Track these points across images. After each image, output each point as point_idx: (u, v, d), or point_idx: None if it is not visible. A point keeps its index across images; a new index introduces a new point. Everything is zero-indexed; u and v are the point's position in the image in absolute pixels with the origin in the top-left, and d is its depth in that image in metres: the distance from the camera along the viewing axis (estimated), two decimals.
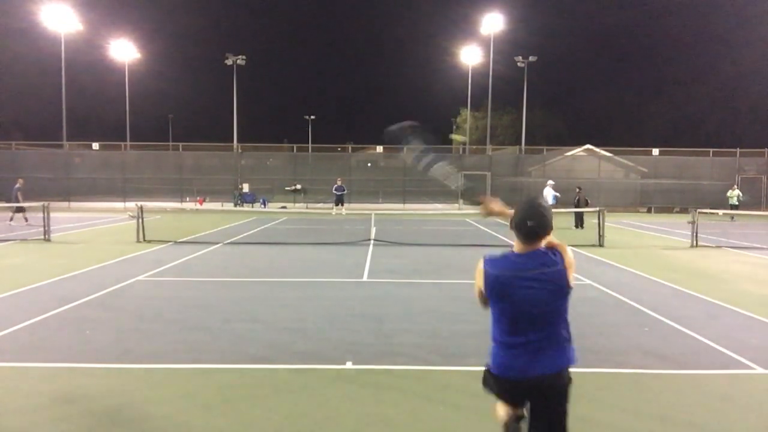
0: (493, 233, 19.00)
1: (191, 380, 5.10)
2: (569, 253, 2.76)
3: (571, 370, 2.82)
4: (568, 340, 2.77)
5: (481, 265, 2.77)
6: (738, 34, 76.03)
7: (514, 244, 2.79)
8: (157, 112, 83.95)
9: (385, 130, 3.09)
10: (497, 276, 2.70)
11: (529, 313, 2.67)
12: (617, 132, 66.54)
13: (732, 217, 25.29)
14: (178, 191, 33.95)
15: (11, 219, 20.00)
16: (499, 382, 2.82)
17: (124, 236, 16.39)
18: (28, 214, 20.15)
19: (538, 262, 2.69)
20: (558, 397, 2.76)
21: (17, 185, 20.55)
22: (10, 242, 14.95)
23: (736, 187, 28.06)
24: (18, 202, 19.75)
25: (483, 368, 2.96)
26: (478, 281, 2.78)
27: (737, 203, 26.80)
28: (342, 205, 27.65)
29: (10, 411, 4.41)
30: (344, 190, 28.28)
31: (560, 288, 2.69)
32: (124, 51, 48.12)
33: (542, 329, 2.71)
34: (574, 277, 2.75)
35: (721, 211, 24.66)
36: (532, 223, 2.68)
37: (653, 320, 7.39)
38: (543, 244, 2.75)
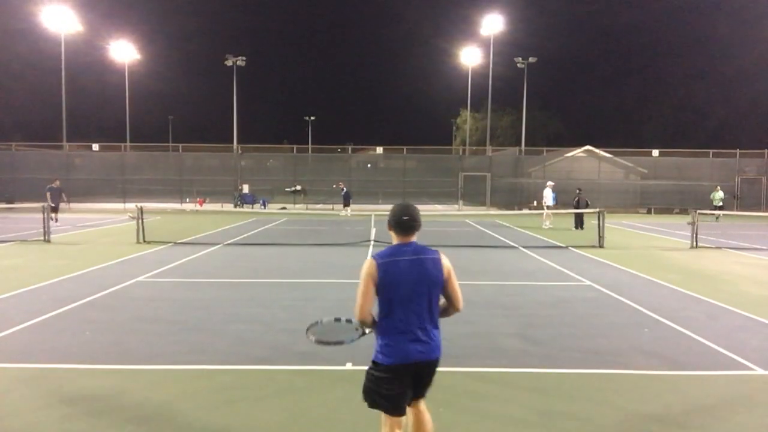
0: (493, 234, 19.01)
1: (191, 381, 5.10)
2: (448, 263, 3.27)
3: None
4: (438, 326, 3.20)
5: (369, 262, 3.11)
6: (738, 34, 76.11)
7: (393, 239, 3.26)
8: (157, 113, 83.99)
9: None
10: (384, 262, 3.08)
11: (417, 293, 3.07)
12: (617, 133, 66.55)
13: (717, 217, 25.35)
14: (178, 192, 33.95)
15: (56, 219, 20.15)
16: (392, 372, 3.07)
17: (124, 237, 16.40)
18: (53, 215, 20.46)
19: (413, 250, 3.18)
20: (432, 376, 3.24)
21: (53, 186, 20.90)
22: (10, 243, 14.96)
23: (719, 188, 28.08)
24: (53, 201, 20.24)
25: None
26: (367, 270, 3.07)
27: (721, 204, 26.83)
28: (347, 206, 27.82)
29: (11, 412, 4.41)
30: (349, 194, 28.39)
31: (434, 277, 3.13)
32: (124, 52, 48.15)
33: (431, 311, 3.12)
34: (457, 287, 3.26)
35: (721, 212, 24.68)
36: (407, 218, 3.20)
37: (653, 321, 7.39)
38: (415, 238, 3.26)
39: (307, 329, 3.40)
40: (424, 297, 3.09)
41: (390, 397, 3.08)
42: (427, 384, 3.29)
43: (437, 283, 3.13)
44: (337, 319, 3.41)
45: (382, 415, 3.17)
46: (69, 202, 24.74)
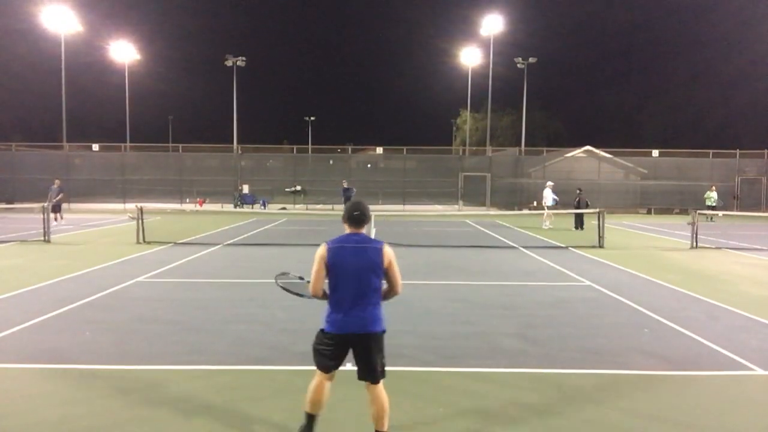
0: (493, 234, 19.01)
1: (191, 381, 5.10)
2: (390, 253, 3.77)
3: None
4: (377, 305, 3.80)
5: (322, 246, 3.74)
6: (738, 34, 76.10)
7: (345, 230, 3.84)
8: (157, 113, 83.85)
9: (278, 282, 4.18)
10: (333, 247, 3.71)
11: (359, 276, 3.66)
12: (617, 133, 66.52)
13: (711, 217, 25.33)
14: (178, 192, 33.94)
15: (58, 219, 20.40)
16: (331, 339, 3.75)
17: (124, 237, 16.40)
18: (55, 216, 20.53)
19: (359, 239, 3.76)
20: (371, 351, 3.75)
21: (54, 186, 21.03)
22: (10, 243, 14.96)
23: (713, 188, 28.00)
24: (53, 201, 20.36)
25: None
26: (320, 253, 3.72)
27: (714, 204, 26.75)
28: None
29: (11, 412, 4.41)
30: (353, 192, 28.35)
31: (374, 262, 3.69)
32: (123, 52, 48.13)
33: (365, 292, 3.69)
34: (397, 274, 3.81)
35: (721, 212, 24.66)
36: (357, 212, 3.78)
37: (653, 321, 7.39)
38: (365, 230, 3.84)
39: (277, 276, 4.18)
40: (365, 279, 3.67)
41: (324, 356, 3.80)
42: (369, 362, 3.76)
43: (376, 268, 3.70)
44: (301, 278, 4.22)
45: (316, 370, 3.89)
46: (69, 202, 24.75)
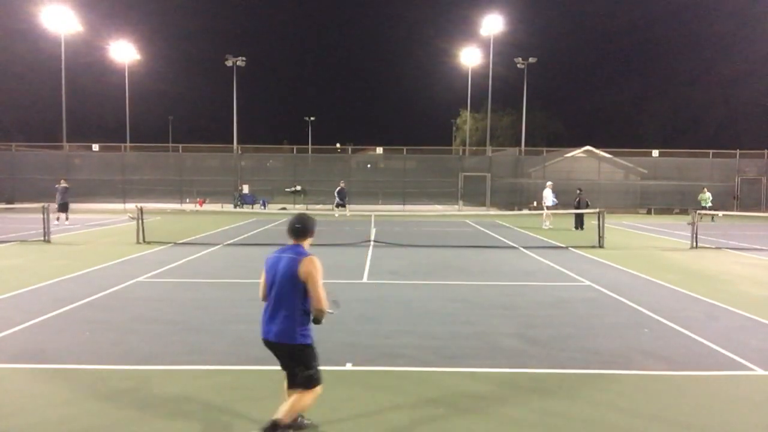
0: (493, 234, 19.01)
1: (191, 381, 5.10)
2: (308, 265, 3.77)
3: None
4: (301, 324, 3.79)
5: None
6: (738, 34, 76.00)
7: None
8: (157, 114, 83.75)
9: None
10: (271, 256, 3.94)
11: (272, 283, 3.81)
12: (617, 133, 66.43)
13: (712, 217, 25.37)
14: (178, 192, 33.93)
15: (66, 218, 20.83)
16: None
17: (124, 237, 16.40)
18: (59, 215, 20.86)
19: (290, 251, 3.90)
20: (289, 359, 3.85)
21: (58, 186, 21.28)
22: (10, 243, 14.96)
23: (706, 190, 27.95)
24: (61, 201, 20.86)
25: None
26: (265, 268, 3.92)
27: (709, 205, 26.69)
28: (344, 207, 27.76)
29: (11, 412, 4.41)
30: (346, 196, 28.35)
31: (291, 274, 3.76)
32: (124, 52, 48.13)
33: (281, 302, 3.77)
34: (318, 287, 3.73)
35: (721, 213, 24.66)
36: (298, 225, 3.96)
37: (653, 321, 7.39)
38: (306, 245, 3.97)
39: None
40: (282, 289, 3.77)
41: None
42: (290, 371, 3.89)
43: (294, 280, 3.75)
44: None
45: None
46: (69, 202, 24.81)
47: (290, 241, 3.96)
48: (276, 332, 3.76)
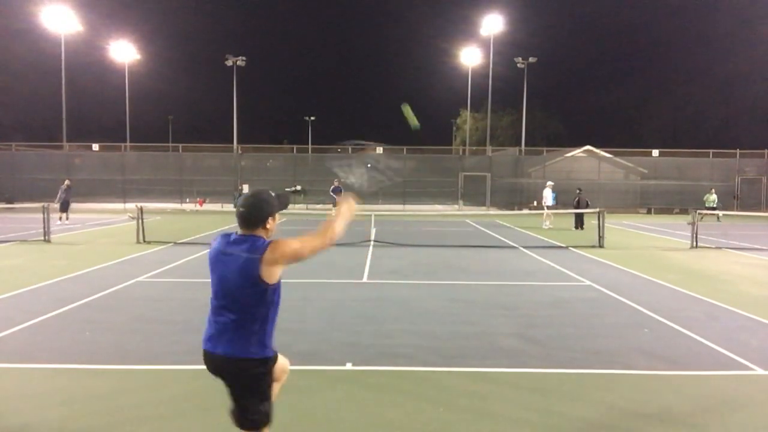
0: (493, 234, 19.01)
1: (191, 381, 5.10)
2: (280, 249, 2.81)
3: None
4: (256, 333, 2.87)
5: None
6: (738, 34, 76.01)
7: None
8: (157, 113, 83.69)
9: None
10: (213, 249, 2.97)
11: (222, 289, 2.88)
12: (617, 133, 66.48)
13: (718, 217, 25.42)
14: (178, 192, 33.95)
15: (67, 218, 21.00)
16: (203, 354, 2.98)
17: (124, 237, 16.40)
18: (62, 215, 20.94)
19: (241, 244, 2.86)
20: (239, 382, 2.94)
21: (63, 185, 21.38)
22: (10, 243, 14.95)
23: (714, 191, 28.01)
24: (62, 201, 20.97)
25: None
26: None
27: (714, 206, 26.73)
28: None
29: (11, 412, 4.41)
30: (341, 191, 28.33)
31: (248, 275, 2.78)
32: (124, 52, 48.14)
33: (233, 310, 2.85)
34: (276, 273, 2.86)
35: (721, 212, 24.67)
36: (243, 209, 2.89)
37: (653, 321, 7.39)
38: (266, 233, 2.94)
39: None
40: (230, 292, 2.85)
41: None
42: (233, 399, 2.98)
43: (247, 281, 2.79)
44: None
45: None
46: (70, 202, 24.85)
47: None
48: (217, 341, 2.93)
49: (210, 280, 2.98)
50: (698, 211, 17.92)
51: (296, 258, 2.86)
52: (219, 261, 2.90)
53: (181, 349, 6.05)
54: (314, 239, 2.90)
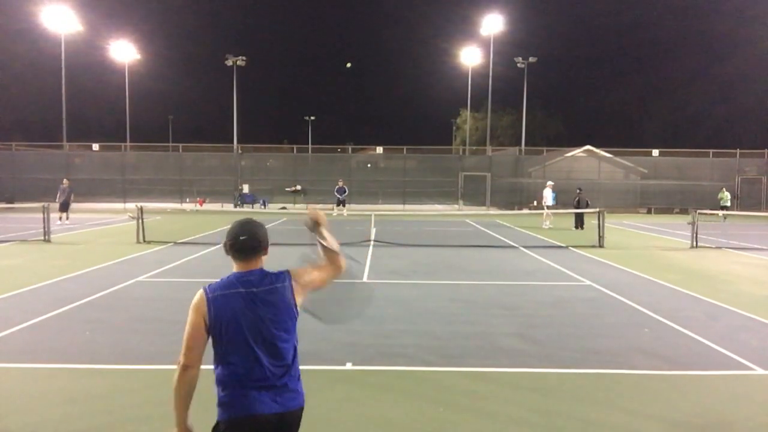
0: (493, 234, 19.01)
1: None
2: (306, 276, 2.63)
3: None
4: (293, 367, 2.53)
5: (199, 294, 2.47)
6: (738, 34, 76.00)
7: (234, 268, 2.54)
8: (157, 113, 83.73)
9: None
10: (215, 296, 2.44)
11: (262, 335, 2.45)
12: (617, 133, 66.59)
13: (724, 217, 25.51)
14: (178, 192, 33.95)
15: (67, 218, 20.88)
16: (227, 427, 2.55)
17: (124, 237, 16.39)
18: (62, 215, 20.85)
19: (263, 278, 2.50)
20: None
21: (63, 185, 21.35)
22: (10, 243, 14.95)
23: (725, 189, 28.21)
24: (61, 201, 20.87)
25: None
26: (196, 313, 2.46)
27: (728, 205, 27.05)
28: (343, 206, 27.79)
29: (11, 411, 4.41)
30: (345, 192, 28.36)
31: (284, 305, 2.49)
32: (124, 52, 48.14)
33: (276, 357, 2.47)
34: (315, 272, 2.69)
35: (722, 212, 24.69)
36: (244, 237, 2.48)
37: (653, 321, 7.39)
38: (262, 263, 2.56)
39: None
40: (269, 336, 2.46)
41: None
42: None
43: (286, 314, 2.50)
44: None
45: None
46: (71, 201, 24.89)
47: (234, 266, 2.53)
48: (274, 399, 2.48)
49: (221, 339, 2.53)
50: (708, 211, 17.94)
51: (320, 287, 2.69)
52: (247, 304, 2.45)
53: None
54: (328, 269, 2.75)
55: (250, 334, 2.46)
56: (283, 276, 2.55)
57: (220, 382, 2.59)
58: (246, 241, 2.49)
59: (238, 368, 2.50)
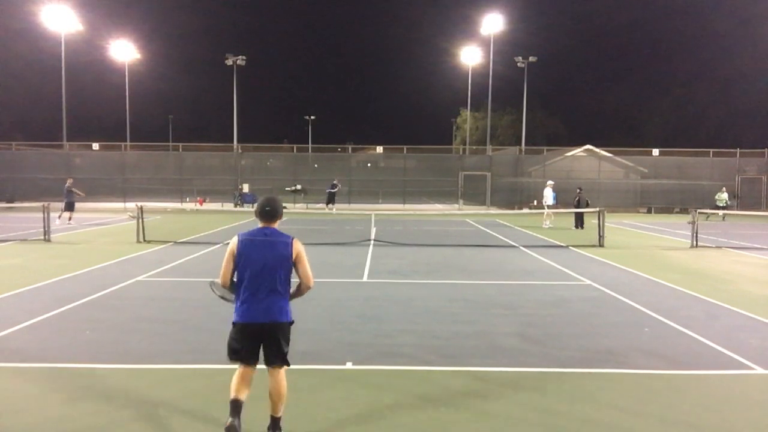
0: (493, 233, 19.01)
1: (192, 380, 5.10)
2: (299, 247, 3.94)
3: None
4: (284, 296, 3.86)
5: (234, 238, 3.94)
6: (738, 34, 75.97)
7: (259, 224, 4.00)
8: (157, 113, 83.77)
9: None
10: (244, 240, 3.89)
11: (267, 267, 3.79)
12: (617, 132, 66.38)
13: (723, 216, 25.51)
14: (178, 191, 33.95)
15: (65, 217, 20.61)
16: (239, 329, 3.81)
17: (124, 236, 16.40)
18: (59, 214, 20.66)
19: (273, 235, 3.92)
20: (281, 338, 3.85)
21: (67, 185, 21.23)
22: (10, 242, 14.96)
23: (725, 189, 28.16)
24: (65, 201, 20.67)
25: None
26: (231, 245, 3.90)
27: (725, 205, 26.95)
28: (332, 203, 28.27)
29: (11, 411, 4.41)
30: (336, 188, 28.63)
31: (282, 255, 3.83)
32: (124, 51, 48.16)
33: (266, 285, 3.79)
34: (307, 267, 3.94)
35: (722, 212, 24.67)
36: (268, 208, 3.96)
37: (653, 320, 7.39)
38: (276, 225, 3.99)
39: (212, 283, 4.13)
40: (272, 271, 3.79)
41: (237, 349, 3.83)
42: (274, 351, 3.85)
43: (284, 261, 3.83)
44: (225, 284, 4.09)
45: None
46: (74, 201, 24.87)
47: (259, 224, 3.99)
48: (268, 312, 3.78)
49: (242, 267, 3.82)
50: (708, 210, 17.94)
51: (304, 267, 3.95)
52: (253, 246, 3.84)
53: (181, 348, 6.05)
54: (311, 275, 4.02)
55: (258, 265, 3.81)
56: (287, 238, 3.93)
57: (238, 295, 3.87)
58: (269, 210, 3.96)
59: (249, 287, 3.81)
